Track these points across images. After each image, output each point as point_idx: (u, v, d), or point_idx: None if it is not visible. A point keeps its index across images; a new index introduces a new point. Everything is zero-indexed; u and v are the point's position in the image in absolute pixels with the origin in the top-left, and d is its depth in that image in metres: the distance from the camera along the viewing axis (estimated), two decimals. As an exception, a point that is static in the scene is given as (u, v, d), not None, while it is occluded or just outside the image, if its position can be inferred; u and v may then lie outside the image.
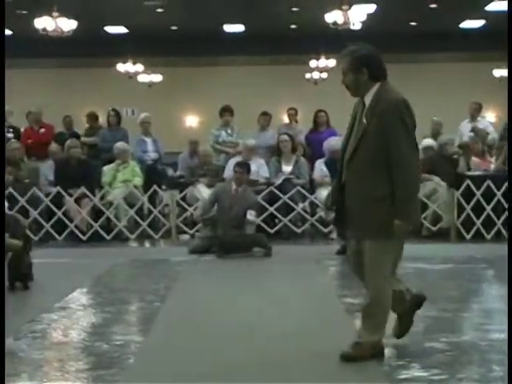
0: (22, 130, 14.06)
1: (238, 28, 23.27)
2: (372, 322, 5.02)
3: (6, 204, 9.71)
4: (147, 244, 11.92)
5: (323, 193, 10.79)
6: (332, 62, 22.88)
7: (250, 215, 10.13)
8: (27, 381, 4.71)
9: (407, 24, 22.69)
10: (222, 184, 10.97)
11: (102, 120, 15.02)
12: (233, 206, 10.20)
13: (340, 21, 17.02)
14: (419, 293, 5.32)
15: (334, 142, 10.89)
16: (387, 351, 5.10)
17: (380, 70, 5.01)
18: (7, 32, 24.11)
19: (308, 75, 25.01)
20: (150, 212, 12.26)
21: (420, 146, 9.88)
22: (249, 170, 10.72)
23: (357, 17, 17.19)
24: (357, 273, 5.18)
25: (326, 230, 11.44)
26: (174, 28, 23.65)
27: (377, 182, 4.86)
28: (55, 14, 18.02)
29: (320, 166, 11.63)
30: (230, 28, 23.39)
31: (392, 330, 5.26)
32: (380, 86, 4.97)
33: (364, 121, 4.91)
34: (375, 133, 4.85)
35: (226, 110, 13.39)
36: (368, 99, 4.96)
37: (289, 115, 14.68)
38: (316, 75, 24.99)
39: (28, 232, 8.46)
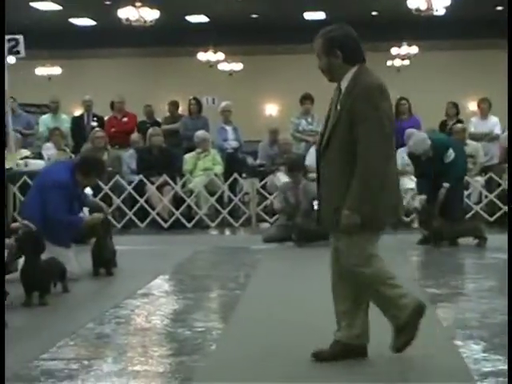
0: (106, 118, 14.31)
1: (319, 16, 23.15)
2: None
3: (91, 191, 9.91)
4: (227, 232, 12.01)
5: (405, 182, 10.70)
6: (414, 49, 22.62)
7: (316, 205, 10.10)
8: (112, 365, 4.79)
9: (492, 9, 22.23)
10: (285, 183, 10.88)
11: (183, 109, 15.16)
12: (299, 200, 10.17)
13: (423, 7, 16.82)
14: (420, 301, 4.76)
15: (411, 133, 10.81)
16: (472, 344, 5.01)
17: (356, 53, 4.67)
18: (91, 22, 24.57)
19: (389, 62, 24.77)
20: (231, 200, 12.34)
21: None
22: (302, 166, 10.74)
23: (440, 2, 16.94)
24: (332, 272, 4.85)
25: (407, 219, 11.33)
26: (254, 16, 23.68)
27: (347, 172, 4.52)
28: (138, 3, 18.27)
29: (401, 155, 11.51)
30: (310, 16, 23.29)
31: (391, 342, 4.72)
32: (357, 70, 4.61)
33: (338, 107, 4.61)
34: (348, 120, 4.53)
35: (307, 98, 13.37)
36: (344, 84, 4.62)
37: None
38: (398, 62, 24.75)
39: (110, 218, 8.59)
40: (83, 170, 7.78)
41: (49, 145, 13.21)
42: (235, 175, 12.33)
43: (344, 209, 4.48)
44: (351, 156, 4.48)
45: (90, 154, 10.56)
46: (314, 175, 11.44)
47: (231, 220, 12.05)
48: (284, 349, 5.06)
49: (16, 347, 5.20)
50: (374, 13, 22.91)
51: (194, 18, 24.07)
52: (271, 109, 26.40)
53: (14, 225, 6.73)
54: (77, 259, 7.74)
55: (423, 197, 9.91)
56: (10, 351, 5.07)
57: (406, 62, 24.17)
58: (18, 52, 12.27)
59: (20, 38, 12.24)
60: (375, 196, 4.51)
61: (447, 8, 17.31)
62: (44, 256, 6.66)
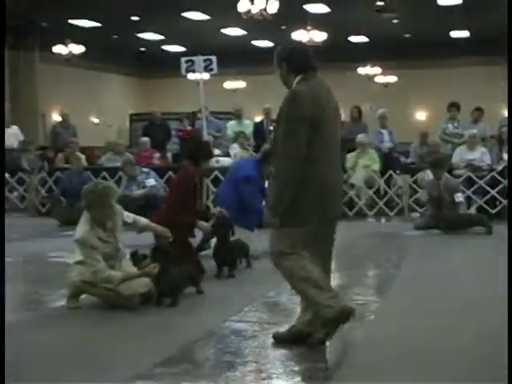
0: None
1: (464, 34, 22.49)
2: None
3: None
4: (383, 220, 11.88)
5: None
6: None
7: (458, 198, 9.81)
8: (280, 327, 4.86)
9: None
10: (429, 181, 10.58)
11: (345, 115, 15.10)
12: (442, 195, 9.90)
13: None
14: (348, 307, 4.31)
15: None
16: None
17: (301, 64, 4.36)
18: (270, 44, 24.89)
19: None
20: (386, 193, 12.22)
21: None
22: (444, 163, 10.43)
23: None
24: None
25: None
26: (406, 36, 23.31)
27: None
28: (309, 27, 18.34)
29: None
30: (456, 34, 22.66)
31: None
32: (299, 79, 4.34)
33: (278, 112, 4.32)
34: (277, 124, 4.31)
35: (453, 106, 13.07)
36: None
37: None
38: None
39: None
40: (269, 162, 7.94)
41: (235, 145, 13.51)
42: (390, 172, 12.25)
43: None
44: None
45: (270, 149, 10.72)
46: (460, 172, 11.29)
47: (386, 210, 11.94)
48: (438, 322, 4.96)
49: (211, 311, 5.38)
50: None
51: (355, 39, 23.98)
52: (421, 115, 25.92)
53: (213, 211, 6.90)
54: (259, 240, 7.88)
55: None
56: (207, 314, 5.26)
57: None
58: (211, 69, 12.65)
59: (213, 58, 12.60)
60: (282, 195, 4.15)
61: None
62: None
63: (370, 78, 24.94)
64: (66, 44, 20.96)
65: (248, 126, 14.52)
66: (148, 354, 4.24)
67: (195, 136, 15.10)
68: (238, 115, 14.64)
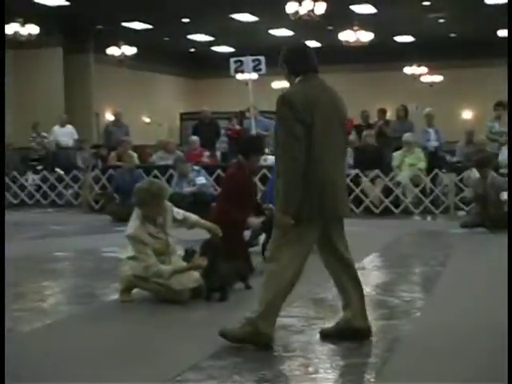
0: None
1: (511, 33, 22.10)
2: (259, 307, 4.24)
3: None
4: (429, 218, 11.76)
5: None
6: None
7: (503, 196, 9.64)
8: (332, 324, 4.84)
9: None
10: (475, 179, 10.42)
11: (390, 114, 15.01)
12: (487, 193, 9.73)
13: None
14: (366, 327, 4.35)
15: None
16: None
17: (299, 65, 4.32)
18: (317, 44, 24.83)
19: None
20: (432, 191, 12.08)
21: None
22: (490, 162, 10.22)
23: None
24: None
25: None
26: (452, 35, 23.02)
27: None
28: (355, 28, 18.23)
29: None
30: (503, 33, 22.26)
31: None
32: (298, 80, 4.31)
33: None
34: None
35: (499, 105, 12.88)
36: None
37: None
38: None
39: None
40: None
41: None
42: (436, 170, 12.11)
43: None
44: None
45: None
46: (506, 170, 11.08)
47: (432, 208, 11.80)
48: (483, 320, 4.89)
49: (258, 306, 5.38)
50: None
51: (401, 38, 23.78)
52: (466, 114, 25.56)
53: (264, 206, 6.88)
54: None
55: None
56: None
57: None
58: (260, 69, 12.67)
59: (262, 58, 12.63)
60: (290, 194, 4.12)
61: None
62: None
63: (415, 77, 24.71)
64: (119, 46, 21.22)
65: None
66: (198, 348, 4.26)
67: (244, 134, 15.14)
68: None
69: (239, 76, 15.12)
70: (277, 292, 4.21)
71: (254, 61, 12.54)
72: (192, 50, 26.43)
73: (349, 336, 4.32)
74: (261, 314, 4.19)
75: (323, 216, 4.26)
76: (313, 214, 4.21)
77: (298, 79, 4.33)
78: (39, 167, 15.28)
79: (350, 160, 12.48)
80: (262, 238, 6.91)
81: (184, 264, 5.56)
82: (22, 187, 14.42)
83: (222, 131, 16.49)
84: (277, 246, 4.27)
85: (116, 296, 5.68)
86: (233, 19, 20.71)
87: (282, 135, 4.17)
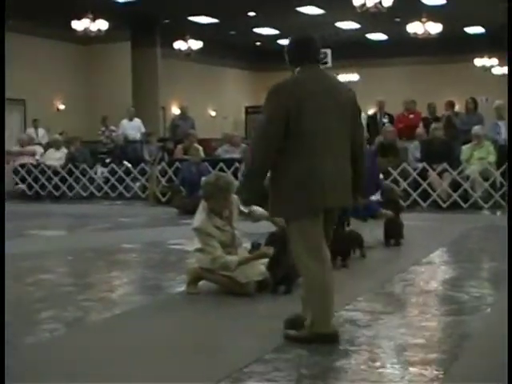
0: (395, 116, 14.27)
1: None
2: (308, 308, 4.20)
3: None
4: (498, 213, 11.49)
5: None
6: None
7: None
8: (400, 319, 4.77)
9: None
10: None
11: (459, 107, 14.74)
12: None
13: None
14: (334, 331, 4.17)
15: None
16: None
17: (298, 56, 4.26)
18: (384, 36, 24.57)
19: None
20: (502, 185, 11.80)
21: None
22: None
23: None
24: None
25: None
26: (525, 25, 22.44)
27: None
28: (424, 19, 17.96)
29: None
30: None
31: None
32: (297, 71, 4.29)
33: None
34: None
35: None
36: None
37: None
38: None
39: (399, 200, 8.54)
40: (383, 153, 7.87)
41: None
42: (506, 164, 11.79)
43: None
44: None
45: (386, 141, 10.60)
46: None
47: (503, 202, 11.53)
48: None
49: (324, 299, 5.36)
50: None
51: (471, 30, 23.31)
52: (539, 106, 24.92)
53: None
54: (372, 231, 7.81)
55: None
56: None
57: None
58: (326, 62, 12.61)
59: (328, 51, 12.58)
60: (249, 179, 4.16)
61: None
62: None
63: (486, 69, 24.18)
64: (185, 40, 21.42)
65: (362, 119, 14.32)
66: (263, 340, 4.27)
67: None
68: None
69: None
70: (319, 299, 4.18)
71: (320, 54, 12.49)
72: (258, 43, 26.48)
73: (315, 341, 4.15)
74: (315, 323, 4.15)
75: (312, 207, 4.12)
76: (301, 205, 4.10)
77: (297, 70, 4.31)
78: (108, 160, 15.57)
79: (416, 153, 12.32)
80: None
81: (250, 255, 5.59)
82: (91, 180, 14.72)
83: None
84: (295, 255, 4.24)
85: (183, 288, 5.74)
86: (299, 12, 20.65)
87: (261, 118, 4.19)
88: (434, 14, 18.27)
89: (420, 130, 13.19)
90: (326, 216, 4.20)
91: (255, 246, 5.65)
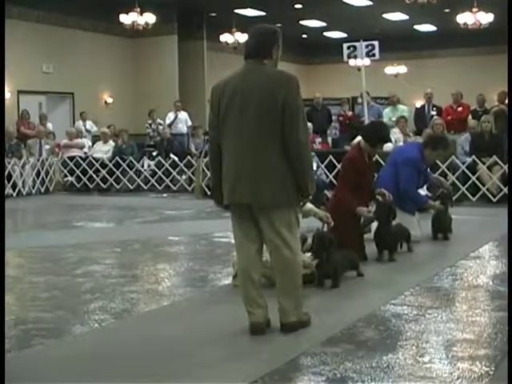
0: (443, 108, 14.08)
1: None
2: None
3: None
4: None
5: None
6: None
7: None
8: (449, 313, 4.72)
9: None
10: None
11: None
12: None
13: None
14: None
15: None
16: None
17: (245, 50, 4.36)
18: (432, 28, 24.26)
19: None
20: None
21: None
22: None
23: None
24: None
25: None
26: None
27: None
28: (475, 9, 17.67)
29: None
30: None
31: None
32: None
33: None
34: None
35: None
36: None
37: None
38: None
39: (449, 192, 8.42)
40: (432, 145, 7.76)
41: (395, 130, 13.25)
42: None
43: None
44: None
45: (435, 133, 10.44)
46: None
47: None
48: None
49: (371, 293, 5.33)
50: None
51: (523, 20, 22.85)
52: None
53: (377, 191, 6.79)
54: (419, 225, 7.73)
55: None
56: (368, 296, 5.23)
57: None
58: (373, 55, 12.49)
59: (375, 43, 12.44)
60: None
61: None
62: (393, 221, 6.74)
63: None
64: (232, 33, 21.44)
65: (402, 111, 14.16)
66: (311, 334, 4.27)
67: (356, 121, 15.01)
68: (393, 101, 14.36)
69: (352, 62, 14.95)
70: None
71: (367, 46, 12.37)
72: (304, 36, 26.38)
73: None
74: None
75: (228, 201, 4.28)
76: (224, 199, 4.32)
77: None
78: (154, 153, 15.69)
79: (466, 146, 12.14)
80: (374, 225, 6.82)
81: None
82: (138, 173, 14.86)
83: (334, 117, 16.39)
84: None
85: (229, 280, 5.77)
86: (346, 4, 20.50)
87: None
88: (485, 3, 17.94)
89: (472, 122, 12.98)
90: (254, 215, 4.25)
91: (301, 241, 5.64)
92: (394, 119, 13.46)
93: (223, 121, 4.21)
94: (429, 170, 8.51)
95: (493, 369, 3.63)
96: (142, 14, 17.99)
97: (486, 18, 17.77)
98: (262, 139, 4.12)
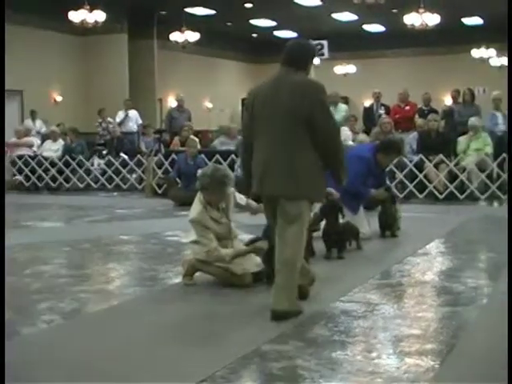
0: (391, 107, 14.23)
1: None
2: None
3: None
4: (495, 204, 11.49)
5: None
6: None
7: None
8: (396, 310, 4.78)
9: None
10: None
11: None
12: None
13: None
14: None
15: None
16: None
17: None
18: (381, 28, 24.53)
19: None
20: (499, 176, 11.80)
21: None
22: None
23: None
24: None
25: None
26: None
27: None
28: (421, 10, 17.91)
29: None
30: None
31: None
32: None
33: None
34: None
35: None
36: None
37: None
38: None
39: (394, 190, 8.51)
40: (384, 151, 7.78)
41: (345, 128, 13.34)
42: (504, 155, 11.77)
43: None
44: None
45: (390, 137, 10.45)
46: None
47: (499, 193, 11.53)
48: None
49: (321, 291, 5.35)
50: None
51: (469, 20, 23.23)
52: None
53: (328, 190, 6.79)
54: (369, 222, 7.80)
55: None
56: (317, 294, 5.25)
57: None
58: (322, 54, 12.57)
59: (325, 42, 12.53)
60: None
61: None
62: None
63: (484, 60, 24.14)
64: (182, 31, 21.35)
65: (344, 110, 14.10)
66: (260, 331, 4.28)
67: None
68: (334, 101, 14.40)
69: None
70: None
71: (316, 45, 12.43)
72: (254, 35, 26.42)
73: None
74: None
75: (259, 193, 4.75)
76: (255, 191, 4.76)
77: None
78: (104, 152, 15.52)
79: (413, 144, 12.30)
80: (323, 223, 6.85)
81: (245, 248, 5.59)
82: (88, 171, 14.69)
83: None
84: None
85: (179, 279, 5.74)
86: (295, 4, 20.59)
87: None
88: (431, 4, 18.20)
89: (420, 120, 13.16)
90: (279, 203, 4.60)
91: (252, 241, 5.66)
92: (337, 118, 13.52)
93: (256, 120, 4.64)
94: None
95: (439, 363, 3.69)
96: (91, 12, 17.77)
97: (432, 19, 18.03)
98: (290, 138, 4.52)
